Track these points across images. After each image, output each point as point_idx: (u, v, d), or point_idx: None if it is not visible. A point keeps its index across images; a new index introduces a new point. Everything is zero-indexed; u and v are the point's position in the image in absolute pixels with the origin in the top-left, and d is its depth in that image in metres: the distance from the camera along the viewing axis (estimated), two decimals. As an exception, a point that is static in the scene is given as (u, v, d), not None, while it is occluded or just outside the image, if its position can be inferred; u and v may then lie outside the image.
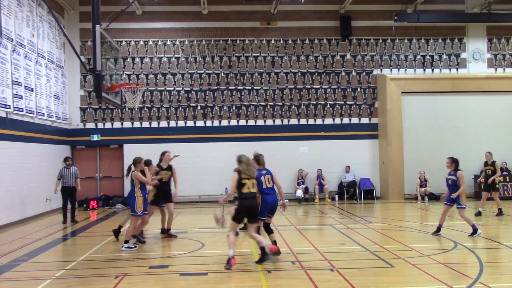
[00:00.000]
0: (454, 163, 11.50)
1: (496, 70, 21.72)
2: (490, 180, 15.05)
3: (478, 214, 14.86)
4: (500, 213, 14.91)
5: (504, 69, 21.76)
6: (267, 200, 9.02)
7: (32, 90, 16.33)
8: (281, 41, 21.23)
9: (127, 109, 20.16)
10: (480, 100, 20.98)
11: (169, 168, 11.92)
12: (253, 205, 8.61)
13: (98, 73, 12.30)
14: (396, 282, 7.59)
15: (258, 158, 9.42)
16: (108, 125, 20.62)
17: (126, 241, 10.35)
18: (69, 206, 15.32)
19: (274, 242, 9.21)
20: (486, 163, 15.34)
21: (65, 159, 15.38)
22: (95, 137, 20.39)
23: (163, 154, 12.07)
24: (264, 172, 9.21)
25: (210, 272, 8.34)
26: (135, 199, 10.27)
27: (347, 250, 10.28)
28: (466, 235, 11.30)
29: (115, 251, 10.54)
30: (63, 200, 15.14)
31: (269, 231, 9.37)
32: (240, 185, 8.51)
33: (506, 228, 13.06)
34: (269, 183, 9.14)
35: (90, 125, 20.54)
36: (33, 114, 16.44)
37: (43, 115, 17.34)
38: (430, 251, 9.45)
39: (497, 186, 15.38)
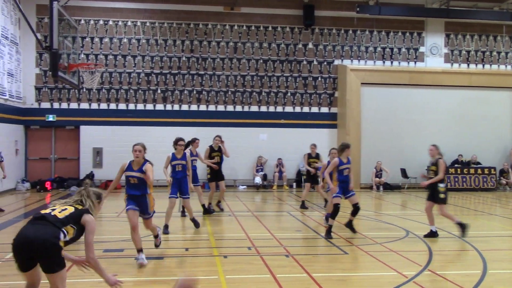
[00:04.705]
0: None
1: (452, 65, 22.31)
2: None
3: (303, 206, 14.25)
4: (303, 205, 14.27)
5: (459, 64, 22.38)
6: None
7: (-16, 66, 15.71)
8: (244, 27, 21.13)
9: (84, 90, 19.66)
10: (436, 94, 21.53)
11: (219, 149, 13.27)
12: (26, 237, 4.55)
13: (54, 52, 11.98)
14: (349, 268, 7.77)
15: (343, 146, 10.35)
16: (64, 105, 20.08)
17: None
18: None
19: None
20: (310, 156, 14.34)
21: None
22: (51, 118, 19.83)
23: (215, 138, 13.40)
24: (345, 161, 10.21)
25: (166, 256, 8.31)
26: None
27: (302, 237, 10.44)
28: (418, 224, 11.64)
29: (68, 234, 10.33)
30: None
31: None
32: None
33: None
34: (348, 173, 10.24)
35: (45, 105, 19.95)
36: (-15, 91, 15.85)
37: (-4, 93, 16.74)
38: (383, 239, 9.70)
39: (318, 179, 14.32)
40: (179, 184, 10.58)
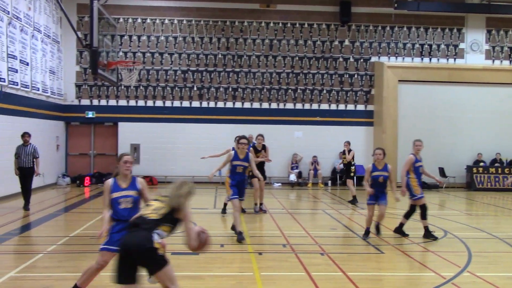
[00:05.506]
0: None
1: (493, 62, 21.71)
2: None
3: (354, 201, 14.96)
4: (354, 200, 14.94)
5: (501, 61, 21.76)
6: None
7: (27, 64, 16.19)
8: (280, 24, 21.09)
9: (122, 87, 20.05)
10: (476, 91, 20.99)
11: (263, 148, 13.04)
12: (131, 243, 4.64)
13: (94, 50, 12.25)
14: (385, 268, 7.68)
15: (414, 141, 9.93)
16: (103, 102, 20.52)
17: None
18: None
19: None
20: (343, 152, 15.41)
21: (22, 135, 12.83)
22: (90, 114, 20.30)
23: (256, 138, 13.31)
24: (419, 157, 9.78)
25: (201, 251, 8.37)
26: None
27: (338, 235, 10.37)
28: (456, 224, 11.40)
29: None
30: (20, 182, 12.90)
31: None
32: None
33: (495, 219, 13.20)
34: (422, 171, 9.89)
35: (85, 102, 20.43)
36: (28, 88, 16.33)
37: (38, 90, 17.22)
38: (420, 239, 9.54)
39: (352, 174, 15.13)
40: (238, 185, 9.42)
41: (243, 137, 9.67)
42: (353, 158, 15.17)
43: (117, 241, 5.36)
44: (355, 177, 20.77)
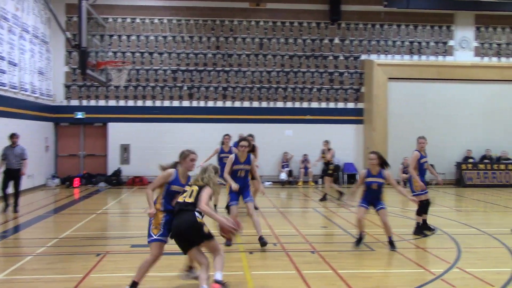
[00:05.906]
0: None
1: (482, 58, 21.84)
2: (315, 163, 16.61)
3: (344, 198, 15.01)
4: (324, 198, 15.17)
5: (490, 58, 21.90)
6: None
7: (15, 65, 16.05)
8: (270, 23, 21.08)
9: (112, 87, 19.93)
10: (465, 88, 21.10)
11: (253, 149, 11.47)
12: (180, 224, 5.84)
13: (83, 50, 12.21)
14: (375, 265, 7.70)
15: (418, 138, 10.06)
16: (92, 102, 20.40)
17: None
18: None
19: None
20: (322, 151, 15.47)
21: (10, 136, 12.74)
22: (79, 115, 20.17)
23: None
24: (423, 154, 9.89)
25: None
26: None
27: (328, 233, 10.40)
28: (446, 221, 11.46)
29: (97, 229, 10.53)
30: (2, 183, 12.69)
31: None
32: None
33: (484, 215, 13.28)
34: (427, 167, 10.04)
35: (74, 102, 20.30)
36: (17, 89, 16.19)
37: (27, 91, 17.08)
38: (410, 236, 9.59)
39: (330, 172, 15.18)
40: (241, 190, 8.85)
41: (244, 139, 9.04)
42: (332, 157, 15.19)
43: (168, 231, 6.06)
44: (346, 175, 21.03)
